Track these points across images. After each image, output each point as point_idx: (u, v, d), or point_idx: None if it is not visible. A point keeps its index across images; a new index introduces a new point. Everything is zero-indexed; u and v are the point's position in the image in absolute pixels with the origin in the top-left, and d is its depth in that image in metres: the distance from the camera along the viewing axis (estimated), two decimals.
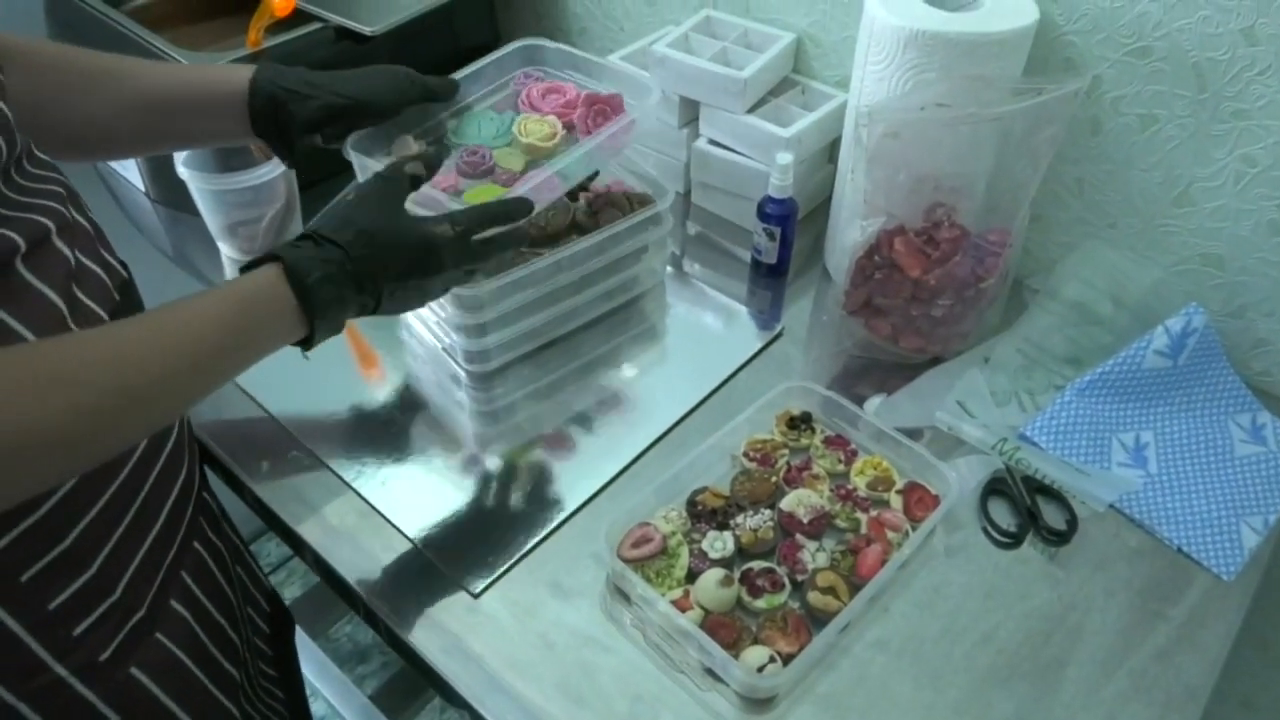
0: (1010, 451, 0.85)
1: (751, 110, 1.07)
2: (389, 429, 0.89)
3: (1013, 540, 0.81)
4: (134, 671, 0.62)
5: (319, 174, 1.14)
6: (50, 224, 0.58)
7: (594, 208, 0.98)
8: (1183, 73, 0.85)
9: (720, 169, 1.12)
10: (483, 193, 0.84)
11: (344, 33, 1.14)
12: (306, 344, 0.65)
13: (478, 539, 0.80)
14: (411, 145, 0.86)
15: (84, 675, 0.59)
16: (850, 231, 0.95)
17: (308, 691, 1.63)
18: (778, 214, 1.00)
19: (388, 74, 0.84)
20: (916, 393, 0.92)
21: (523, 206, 0.77)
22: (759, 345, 0.98)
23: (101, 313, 0.60)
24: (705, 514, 0.79)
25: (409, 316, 1.00)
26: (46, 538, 0.56)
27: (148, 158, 1.12)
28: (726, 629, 0.71)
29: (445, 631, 0.74)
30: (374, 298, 0.67)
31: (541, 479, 0.85)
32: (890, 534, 0.78)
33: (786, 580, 0.75)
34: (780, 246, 1.03)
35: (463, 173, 0.88)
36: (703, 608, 0.73)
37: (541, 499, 0.83)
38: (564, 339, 0.98)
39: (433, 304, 0.82)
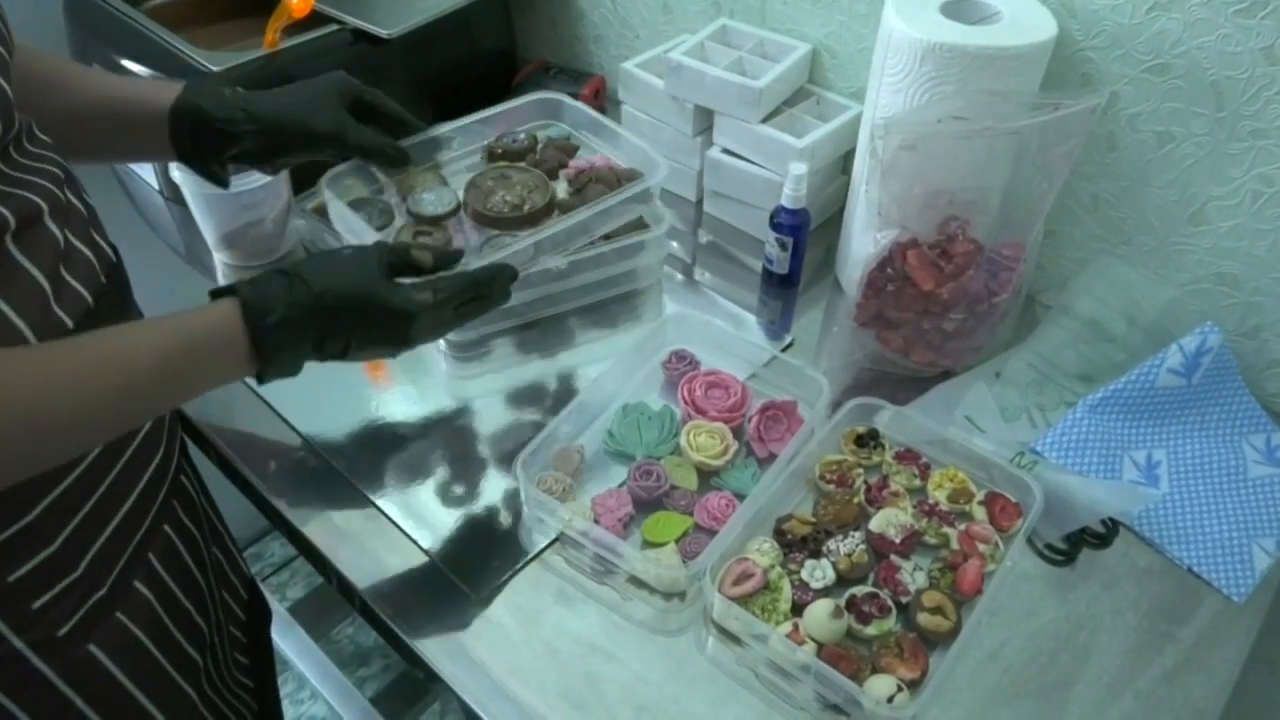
0: (1030, 464, 0.85)
1: (766, 120, 1.07)
2: (397, 434, 0.89)
3: (1065, 557, 0.80)
4: (92, 649, 0.62)
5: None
6: (43, 204, 0.58)
7: (577, 185, 0.92)
8: (1201, 91, 0.85)
9: (733, 178, 1.12)
10: (663, 527, 0.79)
11: (360, 35, 1.15)
12: (260, 379, 0.64)
13: (482, 543, 0.80)
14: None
15: (41, 649, 0.59)
16: (863, 243, 0.95)
17: (307, 693, 1.64)
18: (790, 224, 1.00)
19: (325, 93, 0.80)
20: (926, 406, 0.92)
21: (507, 274, 0.76)
22: (769, 356, 0.97)
23: (87, 295, 0.60)
24: (795, 542, 0.78)
25: None
26: (10, 512, 0.56)
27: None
28: (846, 660, 0.69)
29: (448, 636, 0.73)
30: (337, 353, 0.67)
31: None
32: (981, 546, 0.78)
33: (891, 603, 0.74)
34: (792, 257, 1.03)
35: (636, 497, 0.81)
36: (814, 640, 0.71)
37: None
38: (552, 330, 0.97)
39: None
